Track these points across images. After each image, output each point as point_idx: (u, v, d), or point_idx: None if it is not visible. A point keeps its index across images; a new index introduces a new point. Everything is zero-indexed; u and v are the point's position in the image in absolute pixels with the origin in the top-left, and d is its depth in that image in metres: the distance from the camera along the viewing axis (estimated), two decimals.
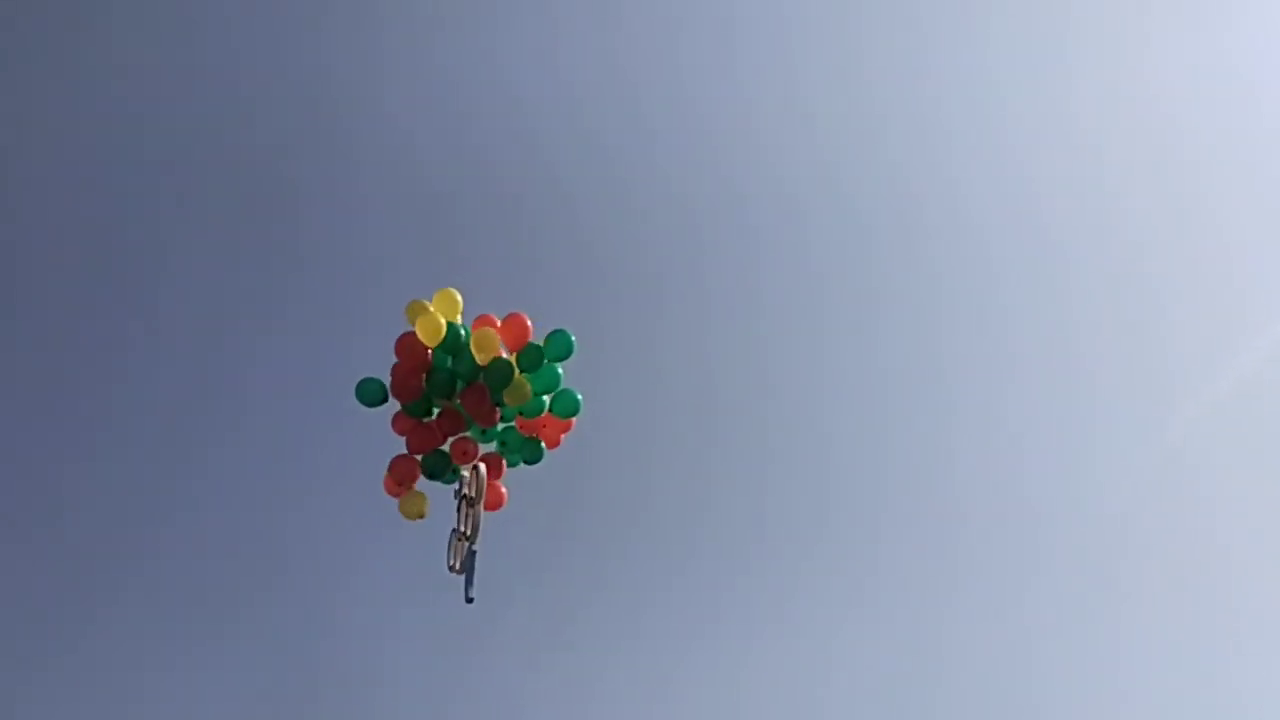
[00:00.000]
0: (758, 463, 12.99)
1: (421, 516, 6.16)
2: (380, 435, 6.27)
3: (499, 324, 6.15)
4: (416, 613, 11.16)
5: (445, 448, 6.16)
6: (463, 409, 6.12)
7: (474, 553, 6.02)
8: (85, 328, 11.87)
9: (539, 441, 6.30)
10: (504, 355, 6.12)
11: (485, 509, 6.17)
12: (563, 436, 6.35)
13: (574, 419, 6.31)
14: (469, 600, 5.99)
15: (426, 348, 5.99)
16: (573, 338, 6.12)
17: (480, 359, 6.03)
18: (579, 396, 6.26)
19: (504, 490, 6.35)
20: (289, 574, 11.64)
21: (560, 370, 6.18)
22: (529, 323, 6.12)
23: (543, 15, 12.63)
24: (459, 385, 6.09)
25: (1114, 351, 13.54)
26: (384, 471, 6.20)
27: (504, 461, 6.33)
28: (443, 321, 6.03)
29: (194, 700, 11.00)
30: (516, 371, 6.08)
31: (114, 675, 11.03)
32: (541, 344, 6.09)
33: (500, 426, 6.29)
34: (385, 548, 10.82)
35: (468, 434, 6.23)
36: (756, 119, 13.27)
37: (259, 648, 11.42)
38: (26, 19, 11.41)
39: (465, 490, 6.10)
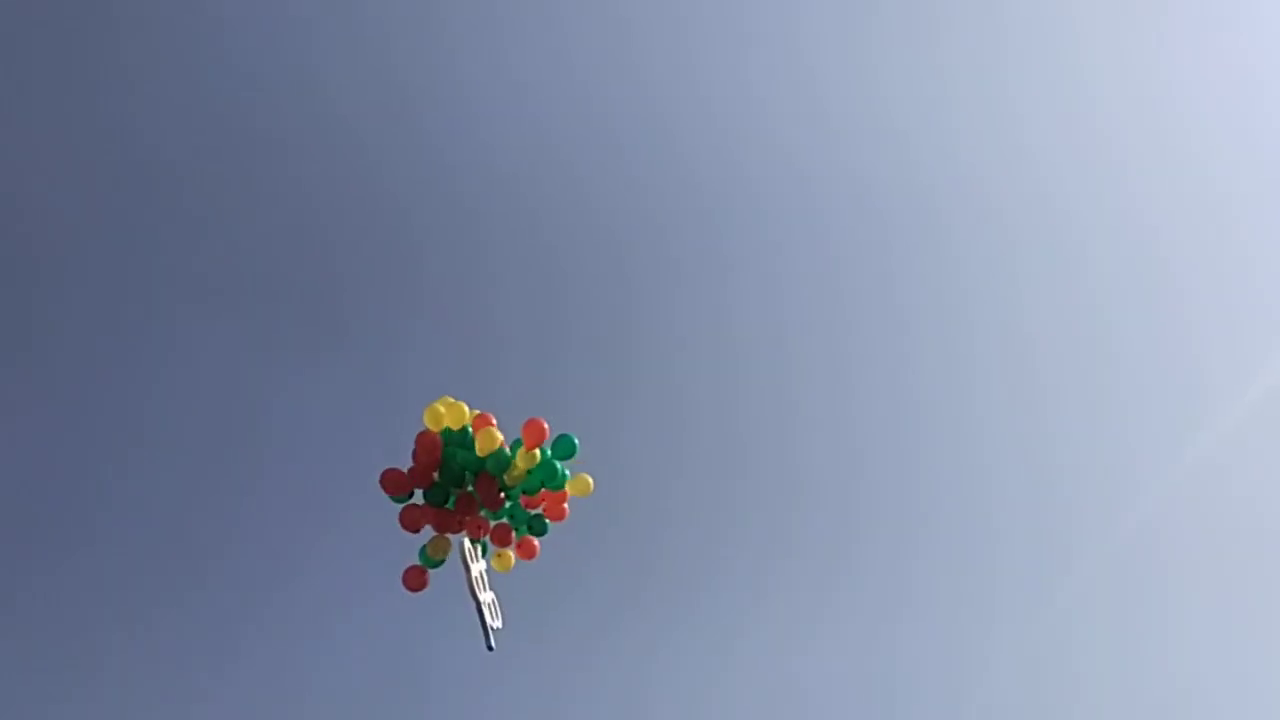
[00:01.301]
0: (789, 482, 13.30)
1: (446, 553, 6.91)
2: None
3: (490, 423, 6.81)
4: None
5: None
6: (476, 494, 6.67)
7: (479, 610, 6.78)
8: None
9: (542, 516, 7.01)
10: (504, 448, 6.71)
11: (520, 557, 7.09)
12: (566, 507, 7.04)
13: (565, 491, 6.96)
14: (489, 649, 6.75)
15: (439, 446, 6.50)
16: (576, 440, 6.82)
17: (482, 451, 6.53)
18: (563, 471, 6.90)
19: (536, 542, 7.12)
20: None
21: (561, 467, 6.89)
22: (546, 426, 6.78)
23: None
24: (468, 475, 6.62)
25: (1142, 362, 13.65)
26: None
27: (512, 531, 6.96)
28: (465, 409, 6.70)
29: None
30: (513, 457, 6.78)
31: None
32: (549, 448, 6.82)
33: (507, 505, 6.91)
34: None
35: (480, 514, 6.84)
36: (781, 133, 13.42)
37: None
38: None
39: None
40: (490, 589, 6.88)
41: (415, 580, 6.79)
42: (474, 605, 6.76)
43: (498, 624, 6.81)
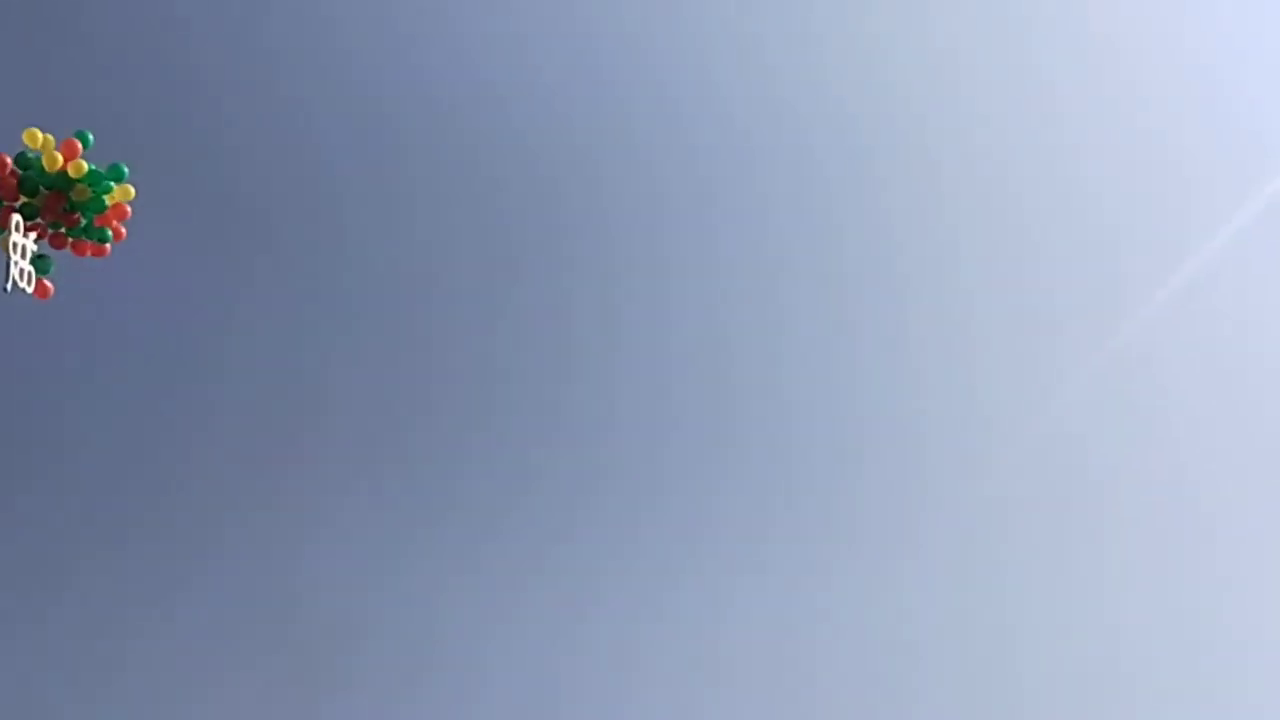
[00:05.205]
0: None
1: None
2: None
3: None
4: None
5: None
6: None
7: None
8: None
9: (106, 230, 8.15)
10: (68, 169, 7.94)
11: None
12: (120, 224, 8.16)
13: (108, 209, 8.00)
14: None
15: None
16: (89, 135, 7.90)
17: (49, 168, 8.08)
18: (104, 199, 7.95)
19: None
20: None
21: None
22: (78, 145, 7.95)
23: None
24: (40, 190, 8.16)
25: (1060, 257, 13.20)
26: None
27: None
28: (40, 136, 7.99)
29: None
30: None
31: None
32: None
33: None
34: None
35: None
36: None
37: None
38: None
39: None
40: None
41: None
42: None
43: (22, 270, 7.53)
